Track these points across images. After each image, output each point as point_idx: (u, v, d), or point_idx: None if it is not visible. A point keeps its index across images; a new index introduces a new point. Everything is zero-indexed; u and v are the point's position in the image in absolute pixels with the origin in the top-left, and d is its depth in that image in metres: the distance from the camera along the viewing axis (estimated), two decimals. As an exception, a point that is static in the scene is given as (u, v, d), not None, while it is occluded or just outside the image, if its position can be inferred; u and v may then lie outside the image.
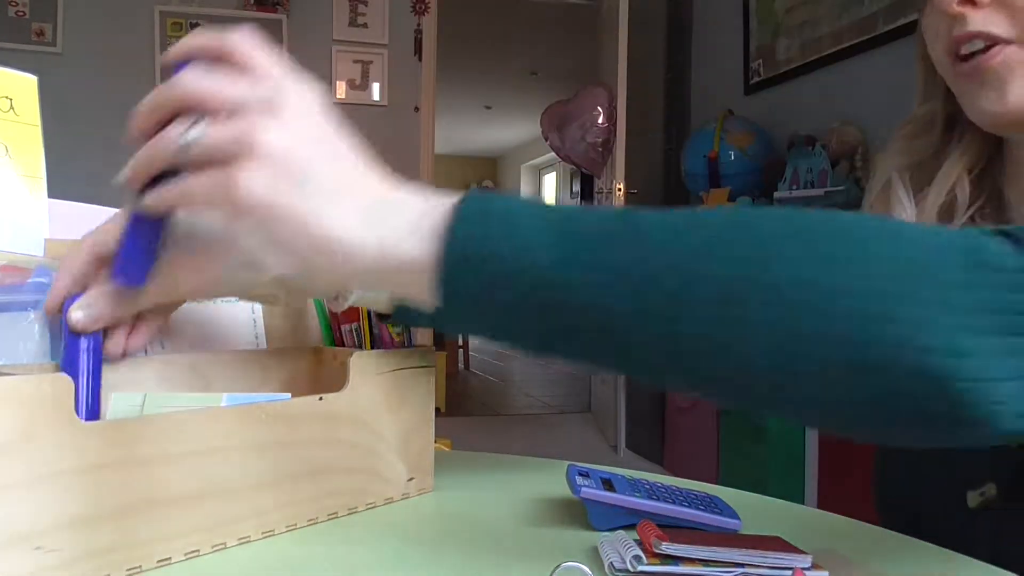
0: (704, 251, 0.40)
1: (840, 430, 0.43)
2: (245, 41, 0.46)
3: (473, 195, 0.43)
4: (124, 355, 0.55)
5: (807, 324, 0.38)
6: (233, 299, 0.66)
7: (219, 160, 0.43)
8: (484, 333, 0.44)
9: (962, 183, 0.69)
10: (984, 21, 0.62)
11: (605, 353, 0.43)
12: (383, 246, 0.43)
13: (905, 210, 0.69)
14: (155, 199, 0.45)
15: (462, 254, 0.41)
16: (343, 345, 0.68)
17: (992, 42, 0.62)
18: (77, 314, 0.51)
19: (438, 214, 0.43)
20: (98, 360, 0.52)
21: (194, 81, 0.44)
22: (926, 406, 0.39)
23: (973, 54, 0.63)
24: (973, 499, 0.66)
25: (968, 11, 0.62)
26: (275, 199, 0.42)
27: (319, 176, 0.43)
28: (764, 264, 0.39)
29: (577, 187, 9.58)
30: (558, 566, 0.46)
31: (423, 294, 0.43)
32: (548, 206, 0.43)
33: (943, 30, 0.65)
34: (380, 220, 0.44)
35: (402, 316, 0.62)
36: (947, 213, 0.69)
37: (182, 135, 0.43)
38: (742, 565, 0.48)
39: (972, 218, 0.69)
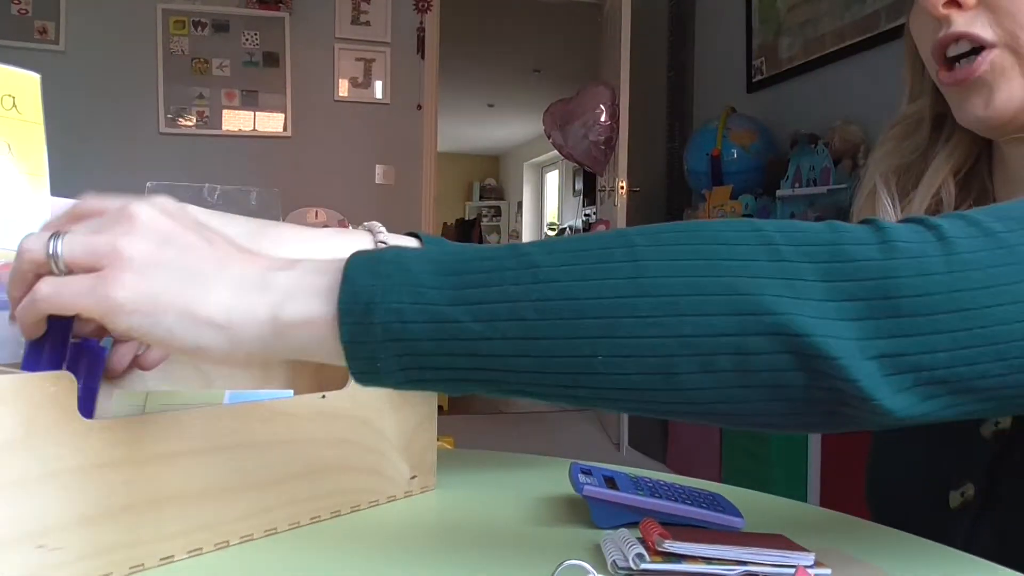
0: (587, 276, 0.42)
1: (748, 425, 0.45)
2: (86, 198, 0.48)
3: (361, 252, 0.44)
4: (129, 368, 0.55)
5: (688, 327, 0.41)
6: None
7: (87, 267, 0.43)
8: (396, 381, 0.44)
9: (948, 186, 0.69)
10: (969, 22, 0.62)
11: (512, 384, 0.43)
12: (276, 310, 0.43)
13: (890, 216, 0.69)
14: (27, 306, 0.44)
15: (361, 303, 0.42)
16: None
17: (977, 44, 0.62)
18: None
19: (329, 272, 0.43)
20: (98, 362, 0.51)
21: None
22: (809, 389, 0.41)
23: (959, 58, 0.63)
24: (954, 499, 0.66)
25: (953, 13, 0.62)
26: (154, 291, 0.42)
27: (190, 262, 0.44)
28: (639, 280, 0.41)
29: (580, 185, 9.56)
30: (561, 564, 0.46)
31: (328, 353, 0.43)
32: (438, 250, 0.44)
33: (929, 31, 0.65)
34: (266, 287, 0.44)
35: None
36: (934, 215, 0.69)
37: (49, 243, 0.43)
38: (745, 563, 0.48)
39: None
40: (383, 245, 0.59)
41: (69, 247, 0.43)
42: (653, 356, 0.41)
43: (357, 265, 0.43)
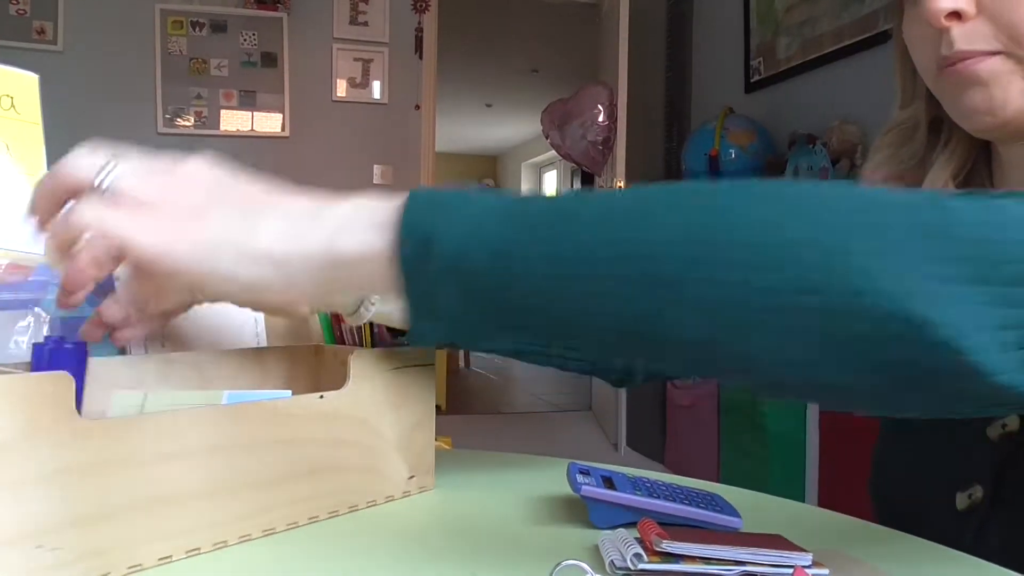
0: (660, 221, 0.40)
1: (826, 400, 0.43)
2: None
3: (419, 189, 0.43)
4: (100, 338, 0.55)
5: (763, 279, 0.38)
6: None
7: (138, 205, 0.42)
8: (450, 319, 0.43)
9: (948, 189, 0.69)
10: (970, 37, 0.61)
11: (567, 331, 0.42)
12: (331, 243, 0.43)
13: None
14: (65, 226, 0.43)
15: (421, 236, 0.41)
16: (343, 343, 0.68)
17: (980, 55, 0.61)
18: (108, 309, 0.52)
19: (385, 208, 0.43)
20: (81, 359, 0.51)
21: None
22: (900, 354, 0.38)
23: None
24: (962, 501, 0.66)
25: (954, 24, 0.61)
26: (209, 235, 0.43)
27: (242, 205, 0.44)
28: (718, 226, 0.39)
29: (578, 185, 9.58)
30: (559, 564, 0.46)
31: (384, 287, 0.43)
32: (497, 192, 0.43)
33: (928, 42, 0.64)
34: (321, 219, 0.44)
35: (418, 337, 0.62)
36: None
37: (108, 166, 0.42)
38: (743, 563, 0.48)
39: None
40: None
41: (128, 178, 0.42)
42: (730, 309, 0.38)
43: (417, 198, 0.42)
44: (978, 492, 0.65)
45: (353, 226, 0.43)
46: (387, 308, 0.60)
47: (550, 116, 4.78)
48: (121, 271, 0.56)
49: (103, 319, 0.53)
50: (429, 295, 0.41)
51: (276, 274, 0.43)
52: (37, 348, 0.48)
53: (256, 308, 0.52)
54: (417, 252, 0.41)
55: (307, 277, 0.43)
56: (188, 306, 0.59)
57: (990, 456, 0.64)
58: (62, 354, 0.49)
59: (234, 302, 0.47)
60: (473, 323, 0.42)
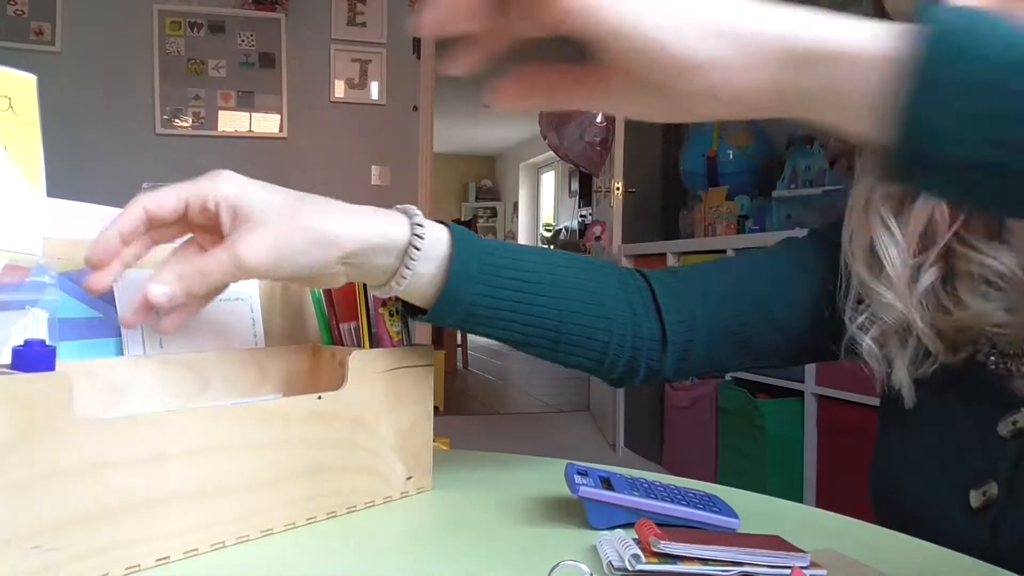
0: None
1: None
2: None
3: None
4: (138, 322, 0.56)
5: None
6: (236, 294, 0.66)
7: None
8: (948, 172, 0.36)
9: (941, 203, 0.68)
10: None
11: None
12: (812, 34, 0.38)
13: (894, 233, 0.69)
14: None
15: (949, 50, 0.35)
16: (342, 344, 0.68)
17: None
18: (157, 289, 0.53)
19: (881, 23, 0.38)
20: None
21: None
22: None
23: None
24: (976, 499, 0.66)
25: None
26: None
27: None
28: None
29: (576, 186, 9.58)
30: (557, 565, 0.46)
31: (862, 99, 0.37)
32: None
33: None
34: (797, 13, 0.39)
35: (437, 315, 0.62)
36: (930, 237, 0.68)
37: None
38: (741, 564, 0.48)
39: (956, 233, 0.68)
40: (419, 227, 0.59)
41: None
42: None
43: (939, 14, 0.36)
44: (993, 489, 0.65)
45: (844, 24, 0.38)
46: (415, 283, 0.60)
47: (548, 117, 4.78)
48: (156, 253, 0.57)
49: (148, 300, 0.54)
50: (941, 108, 0.35)
51: (736, 54, 0.38)
52: (15, 351, 0.47)
53: (325, 260, 0.54)
54: (946, 51, 0.35)
55: (771, 63, 0.38)
56: (229, 282, 0.59)
57: (1004, 453, 0.64)
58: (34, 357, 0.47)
59: (675, 92, 0.40)
60: (992, 165, 0.35)
